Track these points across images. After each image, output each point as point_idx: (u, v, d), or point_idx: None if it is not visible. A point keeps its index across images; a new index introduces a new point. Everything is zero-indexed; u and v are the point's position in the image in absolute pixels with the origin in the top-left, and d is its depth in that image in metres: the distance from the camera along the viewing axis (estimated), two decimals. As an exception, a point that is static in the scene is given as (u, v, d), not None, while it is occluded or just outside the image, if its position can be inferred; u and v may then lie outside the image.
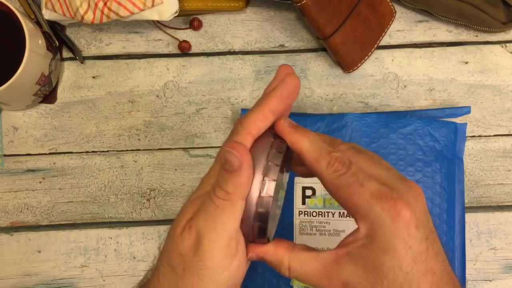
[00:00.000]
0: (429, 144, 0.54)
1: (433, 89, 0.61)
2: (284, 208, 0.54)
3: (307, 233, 0.54)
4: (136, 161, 0.60)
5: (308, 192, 0.54)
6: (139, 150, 0.60)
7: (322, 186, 0.53)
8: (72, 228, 0.60)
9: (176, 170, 0.60)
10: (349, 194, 0.32)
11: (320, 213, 0.54)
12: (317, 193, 0.54)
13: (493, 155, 0.60)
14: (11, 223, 0.60)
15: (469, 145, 0.60)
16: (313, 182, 0.54)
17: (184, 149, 0.60)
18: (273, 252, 0.36)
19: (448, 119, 0.57)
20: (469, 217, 0.58)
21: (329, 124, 0.55)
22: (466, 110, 0.57)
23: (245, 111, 0.58)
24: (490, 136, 0.60)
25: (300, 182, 0.54)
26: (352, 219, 0.51)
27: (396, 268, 0.31)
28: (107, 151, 0.61)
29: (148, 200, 0.60)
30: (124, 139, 0.61)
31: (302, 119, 0.55)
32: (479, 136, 0.60)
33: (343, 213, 0.53)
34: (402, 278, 0.31)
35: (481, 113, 0.60)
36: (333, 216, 0.53)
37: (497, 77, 0.61)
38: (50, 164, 0.60)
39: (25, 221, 0.60)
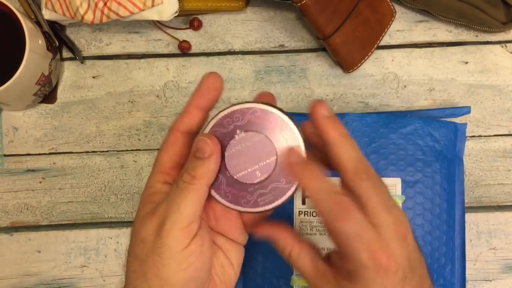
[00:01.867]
0: (429, 144, 0.54)
1: (433, 89, 0.61)
2: (284, 208, 0.54)
3: (307, 233, 0.54)
4: (136, 161, 0.60)
5: (308, 192, 0.54)
6: (139, 150, 0.60)
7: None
8: (72, 228, 0.60)
9: (176, 170, 0.60)
10: (347, 239, 0.35)
11: (320, 213, 0.54)
12: (317, 193, 0.54)
13: (493, 155, 0.60)
14: (11, 223, 0.60)
15: (469, 145, 0.60)
16: (313, 182, 0.54)
17: (184, 149, 0.60)
18: (281, 235, 0.39)
19: (448, 119, 0.57)
20: (469, 217, 0.58)
21: (329, 124, 0.55)
22: (466, 110, 0.57)
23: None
24: (490, 136, 0.60)
25: (300, 182, 0.54)
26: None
27: None
28: (107, 151, 0.60)
29: (148, 200, 0.60)
30: (124, 139, 0.61)
31: (302, 119, 0.55)
32: (479, 136, 0.60)
33: (343, 213, 0.53)
34: None
35: (481, 113, 0.60)
36: (333, 216, 0.53)
37: (497, 77, 0.61)
38: (50, 164, 0.60)
39: (25, 221, 0.60)
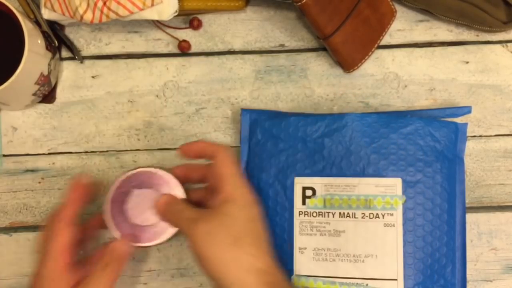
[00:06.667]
0: (429, 144, 0.54)
1: (434, 89, 0.60)
2: (284, 208, 0.54)
3: (307, 233, 0.53)
4: (135, 161, 0.60)
5: (308, 192, 0.54)
6: (138, 150, 0.60)
7: (323, 187, 0.53)
8: (72, 228, 0.59)
9: (175, 170, 0.60)
10: None
11: (320, 213, 0.53)
12: (317, 193, 0.54)
13: (494, 155, 0.60)
14: (10, 223, 0.60)
15: (470, 145, 0.59)
16: (313, 182, 0.54)
17: (183, 149, 0.60)
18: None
19: (449, 119, 0.57)
20: (470, 217, 0.58)
21: (329, 124, 0.54)
22: (466, 110, 0.57)
23: (245, 111, 0.58)
24: (491, 136, 0.60)
25: (300, 182, 0.54)
26: (353, 219, 0.51)
27: None
28: (107, 151, 0.60)
29: (147, 200, 0.60)
30: (124, 139, 0.60)
31: (302, 119, 0.55)
32: (480, 136, 0.60)
33: (343, 213, 0.53)
34: None
35: (482, 113, 0.60)
36: (333, 217, 0.53)
37: (498, 76, 0.61)
38: (49, 164, 0.60)
39: (24, 221, 0.60)
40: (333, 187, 0.53)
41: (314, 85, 0.61)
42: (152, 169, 0.52)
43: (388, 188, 0.53)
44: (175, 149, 0.60)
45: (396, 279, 0.51)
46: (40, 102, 0.61)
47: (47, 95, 0.60)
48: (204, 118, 0.60)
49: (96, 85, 0.61)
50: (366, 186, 0.53)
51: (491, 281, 0.58)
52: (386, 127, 0.54)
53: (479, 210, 0.59)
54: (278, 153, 0.55)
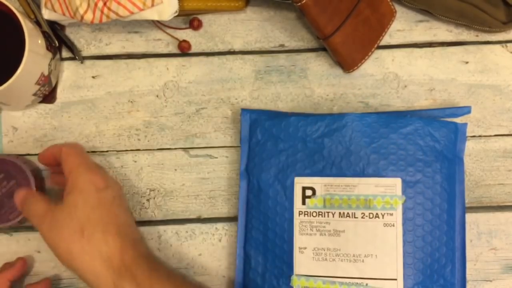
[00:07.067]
0: (429, 144, 0.54)
1: (434, 89, 0.61)
2: (284, 208, 0.54)
3: (307, 233, 0.53)
4: (135, 161, 0.60)
5: (308, 192, 0.54)
6: (138, 150, 0.60)
7: (323, 186, 0.53)
8: (72, 228, 0.59)
9: (176, 170, 0.60)
10: None
11: (320, 213, 0.54)
12: (317, 193, 0.54)
13: (493, 155, 0.60)
14: (10, 223, 0.60)
15: (470, 145, 0.60)
16: (313, 182, 0.54)
17: (184, 149, 0.60)
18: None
19: (449, 119, 0.57)
20: (469, 217, 0.58)
21: (329, 124, 0.54)
22: (466, 110, 0.57)
23: (245, 111, 0.58)
24: (490, 136, 0.60)
25: (300, 182, 0.54)
26: (352, 219, 0.51)
27: None
28: (107, 151, 0.60)
29: (148, 200, 0.60)
30: (124, 139, 0.60)
31: (303, 119, 0.55)
32: (479, 136, 0.60)
33: (343, 213, 0.53)
34: None
35: (481, 113, 0.60)
36: (333, 216, 0.53)
37: (498, 77, 0.61)
38: (49, 164, 0.60)
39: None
40: (333, 187, 0.54)
41: (314, 85, 0.61)
42: (8, 157, 0.56)
43: (388, 188, 0.53)
44: (175, 149, 0.60)
45: (396, 279, 0.52)
46: (41, 102, 0.61)
47: (48, 95, 0.60)
48: (204, 118, 0.61)
49: (97, 85, 0.61)
50: (366, 186, 0.53)
51: (490, 281, 0.58)
52: (386, 127, 0.54)
53: (478, 210, 0.59)
54: (278, 153, 0.55)
